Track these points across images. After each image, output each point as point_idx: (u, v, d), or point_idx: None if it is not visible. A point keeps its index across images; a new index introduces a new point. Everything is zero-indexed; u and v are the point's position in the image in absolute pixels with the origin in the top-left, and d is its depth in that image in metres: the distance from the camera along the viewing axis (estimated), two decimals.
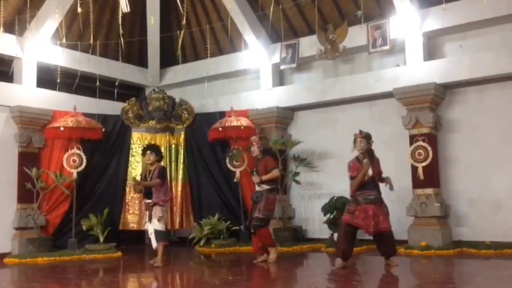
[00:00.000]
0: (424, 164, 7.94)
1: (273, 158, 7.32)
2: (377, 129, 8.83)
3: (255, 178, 6.97)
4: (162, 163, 7.57)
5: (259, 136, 7.57)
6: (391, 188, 6.49)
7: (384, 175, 6.56)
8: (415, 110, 8.11)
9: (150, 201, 7.09)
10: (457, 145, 8.20)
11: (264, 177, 6.90)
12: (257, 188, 7.04)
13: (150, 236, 7.26)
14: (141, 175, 7.60)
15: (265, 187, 6.95)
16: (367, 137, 6.36)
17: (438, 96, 8.13)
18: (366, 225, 6.10)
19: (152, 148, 7.43)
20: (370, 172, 6.17)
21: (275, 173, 6.98)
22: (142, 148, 7.87)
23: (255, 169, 7.12)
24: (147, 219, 7.20)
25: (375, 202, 6.20)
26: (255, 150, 7.17)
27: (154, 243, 7.13)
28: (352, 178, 6.32)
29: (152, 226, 7.09)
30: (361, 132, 6.40)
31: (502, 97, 7.91)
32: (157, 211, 7.07)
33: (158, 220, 7.04)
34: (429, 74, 8.12)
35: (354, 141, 6.39)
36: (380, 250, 6.47)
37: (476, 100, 8.12)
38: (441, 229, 7.71)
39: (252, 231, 7.01)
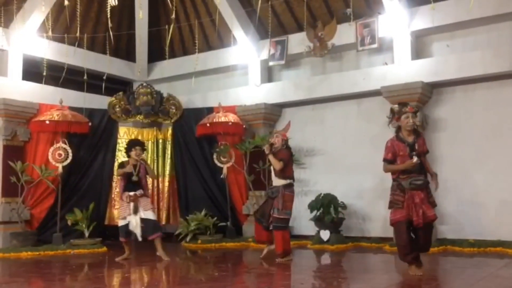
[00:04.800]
0: None
1: (289, 153, 6.93)
2: (364, 127, 8.94)
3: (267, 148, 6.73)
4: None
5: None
6: (436, 187, 5.54)
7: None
8: None
9: (137, 192, 7.19)
10: (443, 143, 8.26)
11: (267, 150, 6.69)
12: (273, 183, 6.82)
13: (133, 230, 7.16)
14: (123, 171, 7.48)
15: (282, 182, 6.69)
16: (416, 113, 5.52)
17: (425, 95, 8.19)
18: (415, 215, 5.23)
19: (140, 143, 7.63)
20: (415, 159, 5.24)
21: (278, 164, 6.62)
22: (129, 143, 7.82)
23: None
24: (131, 212, 7.14)
25: (422, 187, 5.32)
26: (278, 141, 6.83)
27: (140, 235, 7.13)
28: (385, 160, 5.49)
29: (138, 218, 7.12)
30: (412, 107, 5.53)
31: (488, 96, 7.99)
32: (147, 202, 7.30)
33: (152, 210, 7.33)
34: (416, 73, 8.16)
35: (397, 114, 5.50)
36: (416, 245, 5.42)
37: (463, 99, 8.19)
38: None
39: (269, 228, 6.80)
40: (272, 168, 6.87)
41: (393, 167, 5.43)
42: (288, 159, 6.82)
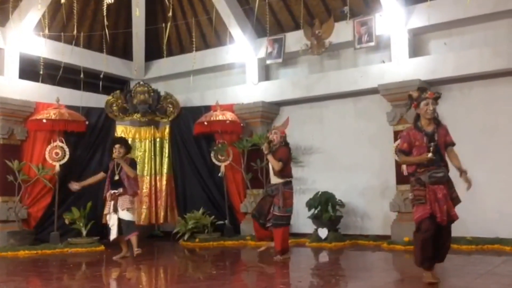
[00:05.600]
0: None
1: (288, 151, 6.83)
2: (362, 125, 8.94)
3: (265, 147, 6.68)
4: (130, 155, 7.65)
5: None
6: (469, 186, 4.92)
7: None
8: (400, 106, 8.15)
9: (117, 191, 7.20)
10: None
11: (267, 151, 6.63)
12: (272, 181, 6.76)
13: (111, 227, 7.20)
14: (108, 169, 7.50)
15: (280, 180, 6.62)
16: (437, 99, 4.88)
17: None
18: (439, 211, 4.63)
19: (120, 141, 7.55)
20: (429, 154, 4.67)
21: (277, 164, 6.53)
22: (110, 142, 7.82)
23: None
24: (111, 210, 7.18)
25: (443, 181, 4.76)
26: (276, 138, 6.77)
27: (113, 235, 7.16)
28: (400, 150, 4.94)
29: (116, 217, 7.14)
30: (433, 92, 4.94)
31: (486, 94, 8.00)
32: (125, 201, 7.21)
33: (128, 210, 7.20)
34: (414, 71, 8.17)
35: (415, 101, 4.88)
36: (437, 250, 4.76)
37: (460, 97, 8.20)
38: None
39: (267, 225, 6.75)
40: (270, 166, 6.84)
41: (408, 159, 4.88)
42: (287, 158, 6.75)
